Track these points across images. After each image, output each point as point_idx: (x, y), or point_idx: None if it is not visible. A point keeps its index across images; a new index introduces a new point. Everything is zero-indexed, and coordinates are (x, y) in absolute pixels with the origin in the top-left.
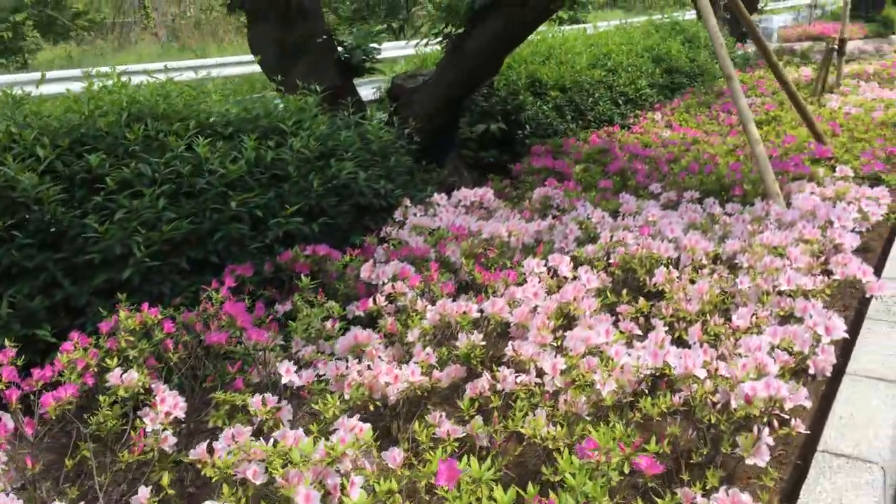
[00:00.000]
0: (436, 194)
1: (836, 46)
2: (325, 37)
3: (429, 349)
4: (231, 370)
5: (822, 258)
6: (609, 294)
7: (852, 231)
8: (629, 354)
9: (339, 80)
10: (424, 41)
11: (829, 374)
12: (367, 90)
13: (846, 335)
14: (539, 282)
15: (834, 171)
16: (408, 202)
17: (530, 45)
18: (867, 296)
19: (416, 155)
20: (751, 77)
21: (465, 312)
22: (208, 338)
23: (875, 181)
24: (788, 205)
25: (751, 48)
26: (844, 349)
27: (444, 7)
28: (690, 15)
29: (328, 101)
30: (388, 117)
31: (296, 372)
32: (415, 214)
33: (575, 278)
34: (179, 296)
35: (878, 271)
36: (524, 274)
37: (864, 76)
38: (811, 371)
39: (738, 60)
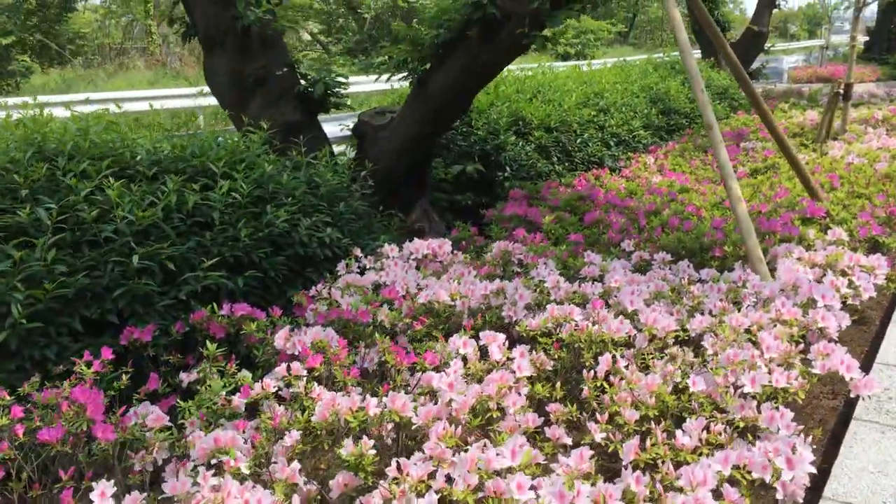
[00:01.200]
0: (387, 245)
1: (841, 90)
2: (285, 69)
3: (295, 464)
4: (63, 476)
5: (801, 346)
6: (541, 387)
7: (842, 308)
8: (535, 492)
9: (299, 116)
10: (386, 77)
11: (800, 501)
12: (334, 127)
13: (813, 469)
14: (464, 365)
15: (827, 232)
16: (358, 252)
17: (516, 83)
18: (852, 395)
19: (379, 198)
20: (754, 119)
21: (360, 409)
22: (39, 435)
23: (873, 246)
24: (773, 270)
25: (757, 89)
26: (826, 454)
27: (408, 41)
28: (696, 53)
29: (285, 139)
30: (355, 157)
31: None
32: (360, 268)
33: (510, 360)
34: (65, 361)
35: (873, 351)
36: (455, 353)
37: (871, 122)
38: (778, 496)
39: (744, 102)
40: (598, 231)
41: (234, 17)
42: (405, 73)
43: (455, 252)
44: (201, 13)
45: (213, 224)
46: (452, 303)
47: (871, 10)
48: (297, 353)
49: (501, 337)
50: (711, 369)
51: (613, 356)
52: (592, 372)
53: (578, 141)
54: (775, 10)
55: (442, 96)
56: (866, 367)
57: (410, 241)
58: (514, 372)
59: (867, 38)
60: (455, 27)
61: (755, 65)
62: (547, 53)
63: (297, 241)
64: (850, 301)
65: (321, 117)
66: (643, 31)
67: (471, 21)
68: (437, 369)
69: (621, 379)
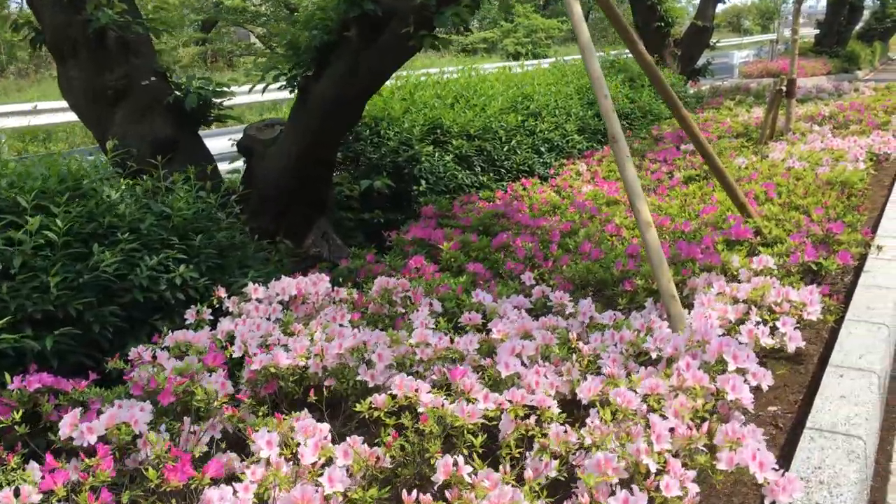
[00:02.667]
0: (251, 284)
1: (783, 87)
2: (153, 78)
3: None
4: None
5: (705, 426)
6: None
7: (764, 362)
8: None
9: (170, 131)
10: (262, 85)
11: None
12: (226, 142)
13: None
14: (266, 467)
15: (756, 255)
16: (223, 293)
17: (436, 87)
18: (766, 503)
19: (268, 223)
20: (698, 118)
21: None
22: None
23: (807, 273)
24: (690, 307)
25: (704, 86)
26: None
27: (287, 45)
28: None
29: (155, 157)
30: (244, 177)
31: None
32: (222, 315)
33: (331, 461)
34: None
35: (807, 403)
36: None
37: (818, 118)
38: None
39: (689, 101)
40: (503, 258)
41: (86, 19)
42: (283, 83)
43: (337, 289)
44: (48, 16)
45: (14, 272)
46: (304, 363)
47: (822, 3)
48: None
49: (325, 428)
50: (582, 476)
51: (456, 459)
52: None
53: (505, 149)
54: (727, 5)
55: (326, 106)
56: (794, 437)
57: (305, 272)
58: (325, 485)
59: (818, 31)
60: (333, 28)
61: (701, 61)
62: (497, 54)
63: (138, 284)
64: (774, 345)
65: (209, 132)
66: (596, 30)
67: (349, 20)
68: (230, 480)
69: (464, 489)
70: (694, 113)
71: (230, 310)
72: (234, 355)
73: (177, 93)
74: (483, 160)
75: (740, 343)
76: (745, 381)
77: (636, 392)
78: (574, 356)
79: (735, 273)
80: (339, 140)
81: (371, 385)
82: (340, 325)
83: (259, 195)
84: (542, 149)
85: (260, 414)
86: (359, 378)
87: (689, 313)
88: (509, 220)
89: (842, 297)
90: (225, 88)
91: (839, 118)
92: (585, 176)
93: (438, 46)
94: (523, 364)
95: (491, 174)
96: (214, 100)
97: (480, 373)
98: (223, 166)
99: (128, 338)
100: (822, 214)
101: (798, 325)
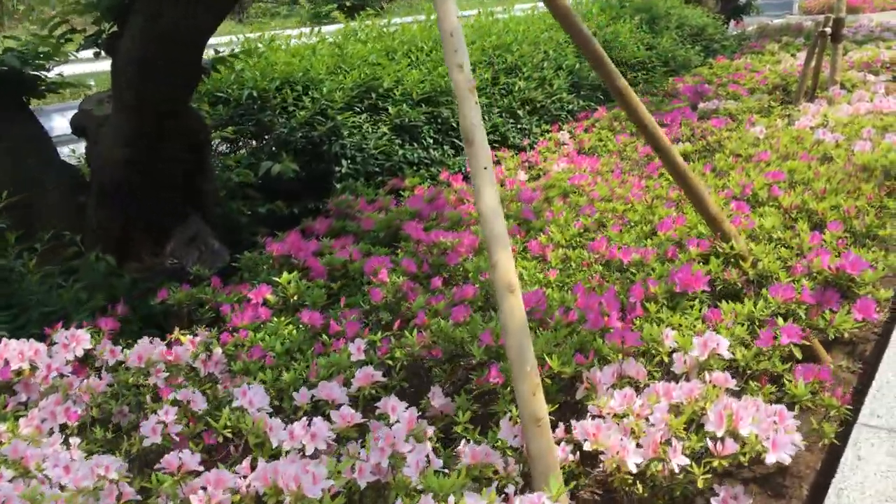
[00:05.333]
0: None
1: (826, 29)
2: None
3: None
4: None
5: None
6: None
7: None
8: None
9: None
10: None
11: None
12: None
13: None
14: None
15: (698, 340)
16: None
17: (380, 40)
18: None
19: (109, 222)
20: (729, 66)
21: None
22: None
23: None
24: (584, 413)
25: (751, 26)
26: None
27: None
28: None
29: None
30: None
31: None
32: None
33: None
34: None
35: None
36: None
37: (875, 66)
38: None
39: (727, 44)
40: (364, 295)
41: None
42: (83, 42)
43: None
44: None
45: None
46: None
47: None
48: None
49: None
50: None
51: None
52: None
53: None
54: None
55: (137, 72)
56: None
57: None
58: None
59: None
60: None
61: None
62: None
63: None
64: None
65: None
66: None
67: None
68: None
69: None
70: (730, 60)
71: None
72: None
73: None
74: (436, 130)
75: None
76: None
77: None
78: None
79: (665, 357)
80: (179, 110)
81: None
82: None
83: (99, 189)
84: (520, 112)
85: None
86: None
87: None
88: (427, 220)
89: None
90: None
91: None
92: (568, 148)
93: None
94: None
95: (446, 147)
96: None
97: None
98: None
99: None
100: (838, 231)
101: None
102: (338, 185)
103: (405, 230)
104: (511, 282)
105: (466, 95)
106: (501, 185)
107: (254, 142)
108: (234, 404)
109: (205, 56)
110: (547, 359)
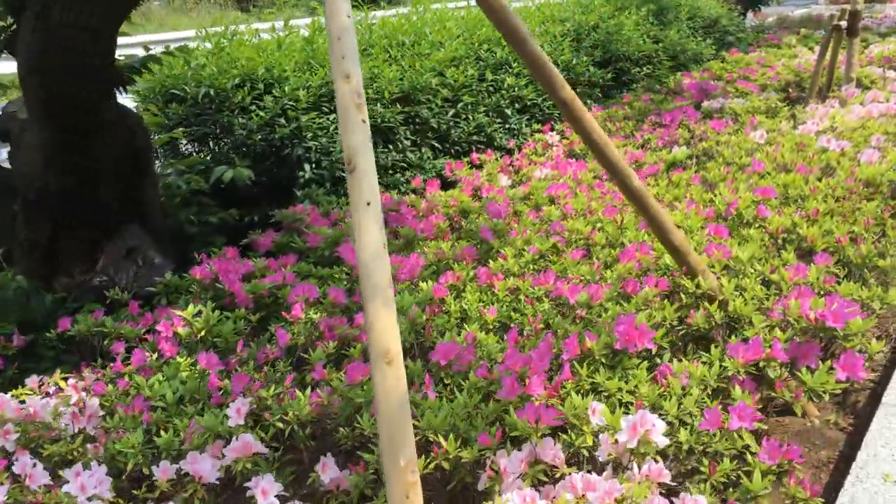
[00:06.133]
0: None
1: (840, 23)
2: None
3: None
4: None
5: None
6: None
7: None
8: None
9: None
10: None
11: None
12: None
13: None
14: None
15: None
16: None
17: (357, 34)
18: None
19: (34, 235)
20: (741, 60)
21: None
22: None
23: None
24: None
25: (771, 17)
26: None
27: None
28: None
29: None
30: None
31: None
32: None
33: None
34: None
35: None
36: None
37: (895, 61)
38: None
39: (743, 37)
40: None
41: None
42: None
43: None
44: None
45: None
46: None
47: None
48: None
49: None
50: None
51: None
52: None
53: (450, 113)
54: None
55: (37, 67)
56: None
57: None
58: None
59: None
60: None
61: None
62: None
63: None
64: None
65: None
66: None
67: None
68: None
69: None
70: (745, 54)
71: None
72: None
73: None
74: (412, 131)
75: None
76: None
77: None
78: None
79: (590, 441)
80: (101, 108)
81: None
82: None
83: (24, 196)
84: (508, 111)
85: None
86: None
87: None
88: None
89: (838, 456)
90: None
91: None
92: (555, 150)
93: None
94: None
95: (424, 150)
96: None
97: None
98: None
99: None
100: (828, 264)
101: None
102: (299, 193)
103: (339, 252)
104: (389, 349)
105: (352, 111)
106: (476, 194)
107: (211, 144)
108: (65, 489)
109: (135, 54)
110: (442, 440)
